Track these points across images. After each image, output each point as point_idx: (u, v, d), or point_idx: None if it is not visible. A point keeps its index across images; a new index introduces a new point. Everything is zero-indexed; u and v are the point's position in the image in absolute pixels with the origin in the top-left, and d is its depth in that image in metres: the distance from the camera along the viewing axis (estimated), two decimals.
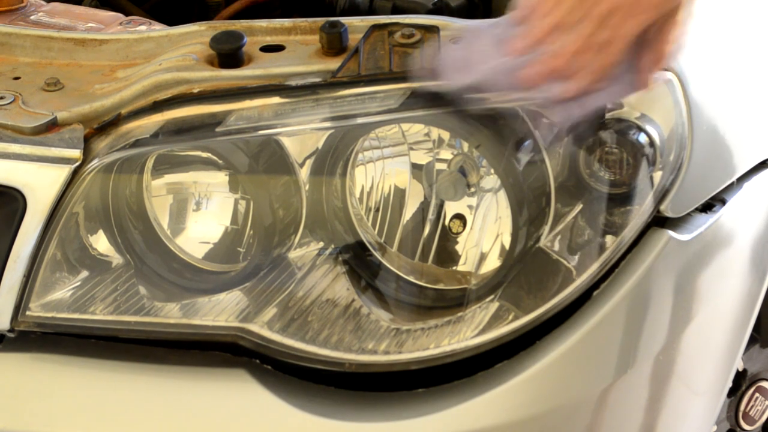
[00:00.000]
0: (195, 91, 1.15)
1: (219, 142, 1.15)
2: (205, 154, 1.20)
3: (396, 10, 1.58)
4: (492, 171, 1.16)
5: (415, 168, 1.21)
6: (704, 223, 1.23)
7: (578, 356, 1.15)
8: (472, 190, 1.18)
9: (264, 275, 1.18)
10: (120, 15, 1.46)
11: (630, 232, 1.16)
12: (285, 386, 1.14)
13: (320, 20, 1.20)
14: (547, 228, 1.15)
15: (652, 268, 1.17)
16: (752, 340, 1.60)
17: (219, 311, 1.16)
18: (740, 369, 1.64)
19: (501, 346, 1.14)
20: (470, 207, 1.20)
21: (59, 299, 1.17)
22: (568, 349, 1.14)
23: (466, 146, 1.18)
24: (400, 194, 1.21)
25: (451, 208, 1.21)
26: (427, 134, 1.19)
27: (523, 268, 1.16)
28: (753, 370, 1.66)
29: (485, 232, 1.19)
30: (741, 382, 1.65)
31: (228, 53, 1.17)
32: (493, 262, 1.19)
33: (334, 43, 1.16)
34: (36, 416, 1.16)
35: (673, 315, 1.22)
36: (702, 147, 1.21)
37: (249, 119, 1.14)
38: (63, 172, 1.13)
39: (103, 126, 1.15)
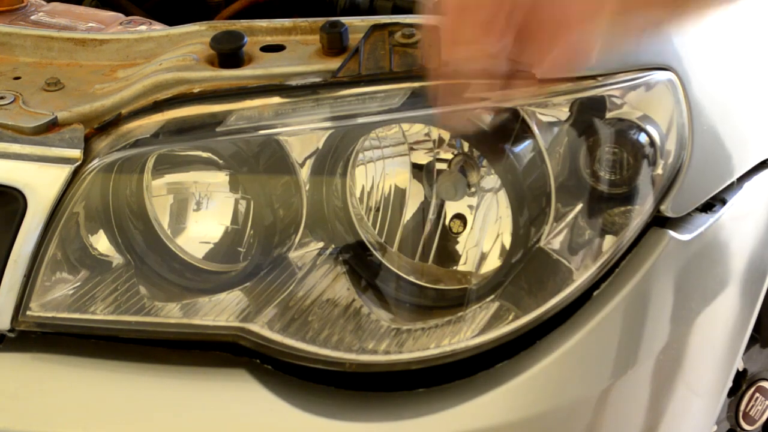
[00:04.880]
0: (195, 91, 1.15)
1: (219, 142, 1.15)
2: (205, 154, 1.20)
3: (396, 10, 1.58)
4: (492, 171, 1.16)
5: (416, 168, 1.21)
6: (704, 223, 1.23)
7: (578, 356, 1.15)
8: (473, 190, 1.18)
9: (264, 275, 1.18)
10: (120, 15, 1.46)
11: (630, 232, 1.16)
12: (285, 386, 1.14)
13: (320, 20, 1.20)
14: (547, 228, 1.15)
15: (653, 268, 1.17)
16: (752, 340, 1.60)
17: (219, 311, 1.16)
18: (740, 369, 1.64)
19: (501, 346, 1.14)
20: (470, 207, 1.20)
21: (59, 299, 1.17)
22: (568, 350, 1.14)
23: (466, 146, 1.18)
24: (400, 194, 1.21)
25: (451, 208, 1.21)
26: (428, 134, 1.19)
27: (524, 268, 1.16)
28: (753, 370, 1.66)
29: (485, 232, 1.19)
30: (741, 382, 1.65)
31: (228, 53, 1.17)
32: (493, 262, 1.19)
33: (335, 43, 1.17)
34: (36, 416, 1.16)
35: (674, 315, 1.22)
36: (702, 147, 1.21)
37: (249, 119, 1.14)
38: (63, 172, 1.13)
39: (103, 126, 1.15)
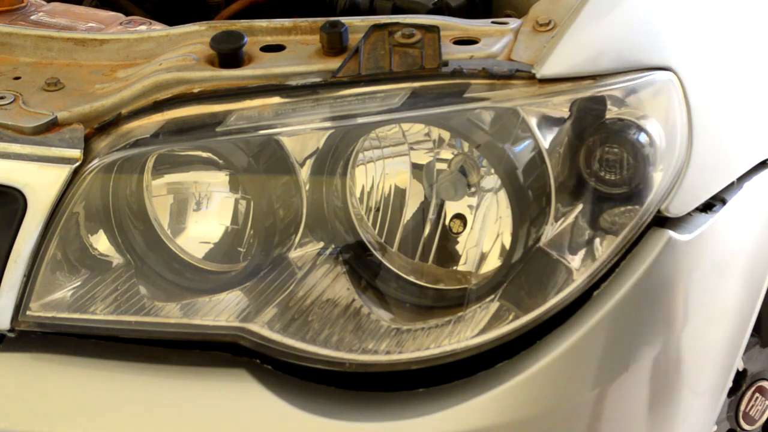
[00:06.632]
0: (195, 91, 1.15)
1: (219, 142, 1.15)
2: (205, 154, 1.20)
3: (396, 10, 1.58)
4: (492, 171, 1.16)
5: (416, 168, 1.21)
6: (704, 223, 1.23)
7: (578, 356, 1.15)
8: (473, 190, 1.18)
9: (264, 275, 1.18)
10: (120, 15, 1.46)
11: (630, 232, 1.16)
12: (285, 386, 1.14)
13: (320, 20, 1.20)
14: (547, 228, 1.15)
15: (652, 268, 1.17)
16: (752, 340, 1.60)
17: (219, 311, 1.16)
18: (740, 369, 1.64)
19: (501, 346, 1.14)
20: (470, 207, 1.20)
21: (59, 299, 1.17)
22: (568, 349, 1.14)
23: (466, 146, 1.18)
24: (400, 194, 1.21)
25: (451, 208, 1.21)
26: (428, 134, 1.19)
27: (524, 268, 1.16)
28: (753, 370, 1.66)
29: (485, 232, 1.19)
30: (741, 382, 1.65)
31: (228, 53, 1.17)
32: (493, 262, 1.19)
33: (335, 43, 1.17)
34: (36, 416, 1.16)
35: (673, 315, 1.22)
36: (702, 147, 1.21)
37: (249, 119, 1.14)
38: (63, 172, 1.13)
39: (103, 126, 1.16)
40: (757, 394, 1.67)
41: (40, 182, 1.14)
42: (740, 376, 1.65)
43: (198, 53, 1.19)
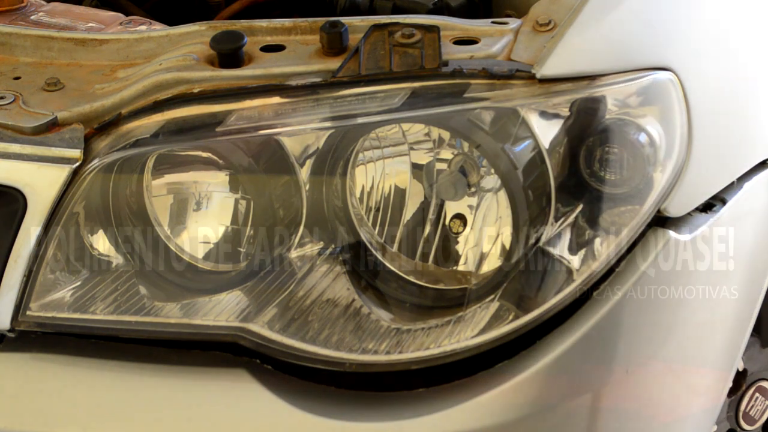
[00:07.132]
0: (195, 91, 1.15)
1: (219, 142, 1.15)
2: (205, 154, 1.20)
3: (396, 10, 1.58)
4: (492, 171, 1.16)
5: (416, 168, 1.21)
6: (704, 222, 1.23)
7: (578, 356, 1.15)
8: (473, 190, 1.18)
9: (264, 275, 1.18)
10: (120, 15, 1.46)
11: (630, 232, 1.16)
12: (285, 386, 1.14)
13: (320, 20, 1.20)
14: (547, 228, 1.15)
15: (652, 268, 1.17)
16: (752, 340, 1.60)
17: (219, 311, 1.16)
18: (740, 369, 1.64)
19: (501, 345, 1.14)
20: (470, 207, 1.20)
21: (59, 299, 1.17)
22: (568, 349, 1.14)
23: (466, 146, 1.18)
24: (400, 194, 1.21)
25: (451, 208, 1.21)
26: (428, 134, 1.19)
27: (524, 268, 1.16)
28: (753, 370, 1.66)
29: (485, 232, 1.19)
30: (741, 382, 1.65)
31: (228, 53, 1.17)
32: (493, 262, 1.19)
33: (335, 43, 1.17)
34: (36, 416, 1.16)
35: (674, 315, 1.22)
36: (702, 147, 1.21)
37: (249, 119, 1.14)
38: (63, 172, 1.13)
39: (103, 126, 1.16)
40: (757, 394, 1.67)
41: (40, 182, 1.14)
42: (740, 376, 1.65)
43: (198, 53, 1.19)
